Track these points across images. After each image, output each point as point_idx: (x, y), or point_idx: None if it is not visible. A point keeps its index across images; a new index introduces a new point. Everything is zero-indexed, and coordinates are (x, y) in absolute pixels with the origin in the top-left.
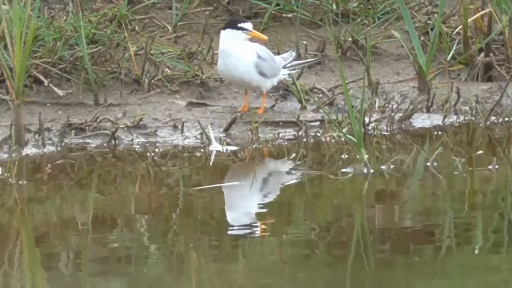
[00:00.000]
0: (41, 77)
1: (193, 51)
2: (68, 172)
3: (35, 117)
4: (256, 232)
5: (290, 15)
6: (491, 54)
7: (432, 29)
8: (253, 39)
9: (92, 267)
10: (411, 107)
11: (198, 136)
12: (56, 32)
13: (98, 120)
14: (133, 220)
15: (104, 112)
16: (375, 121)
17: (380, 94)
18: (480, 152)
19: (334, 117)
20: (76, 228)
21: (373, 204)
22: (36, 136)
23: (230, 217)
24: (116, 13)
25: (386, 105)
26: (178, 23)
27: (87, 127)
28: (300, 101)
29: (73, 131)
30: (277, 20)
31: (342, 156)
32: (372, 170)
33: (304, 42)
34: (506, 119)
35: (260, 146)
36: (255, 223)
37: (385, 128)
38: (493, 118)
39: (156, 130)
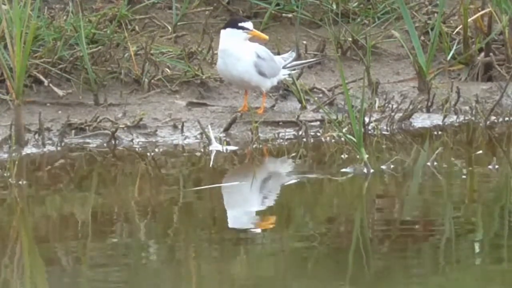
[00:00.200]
0: (41, 77)
1: (193, 51)
2: (68, 172)
3: (35, 117)
4: (256, 232)
5: (290, 15)
6: (491, 54)
7: (432, 29)
8: (253, 39)
9: (92, 267)
10: (411, 107)
11: (198, 136)
12: (56, 32)
13: (98, 120)
14: (133, 220)
15: (104, 112)
16: (375, 121)
17: (380, 94)
18: (480, 152)
19: (334, 117)
20: (76, 228)
21: (373, 204)
22: (36, 136)
23: (230, 216)
24: (116, 13)
25: (386, 105)
26: (178, 23)
27: (87, 127)
28: (300, 101)
29: (73, 131)
30: (277, 20)
31: (342, 156)
32: (372, 170)
33: (304, 42)
34: (506, 119)
35: (260, 146)
36: (255, 223)
37: (385, 128)
38: (493, 118)
39: (156, 130)
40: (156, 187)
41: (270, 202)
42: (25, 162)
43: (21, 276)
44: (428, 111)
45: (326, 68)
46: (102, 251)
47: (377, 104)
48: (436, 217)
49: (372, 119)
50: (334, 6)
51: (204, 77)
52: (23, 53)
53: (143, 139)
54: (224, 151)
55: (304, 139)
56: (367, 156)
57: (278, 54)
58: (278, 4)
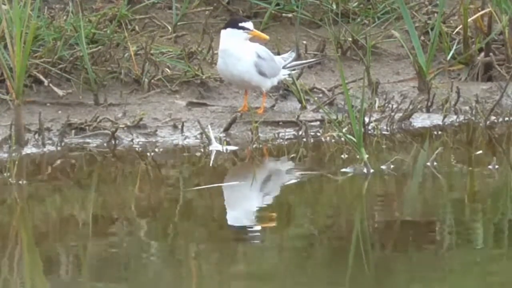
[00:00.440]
0: (41, 77)
1: (193, 51)
2: (68, 172)
3: (35, 117)
4: (256, 232)
5: (290, 15)
6: (491, 54)
7: (432, 29)
8: (254, 39)
9: (92, 267)
10: (411, 107)
11: (198, 136)
12: (56, 32)
13: (98, 120)
14: (133, 220)
15: (104, 112)
16: (375, 121)
17: (380, 94)
18: (480, 151)
19: (334, 117)
20: (76, 228)
21: (373, 204)
22: (36, 136)
23: (230, 216)
24: (116, 13)
25: (386, 105)
26: (178, 23)
27: (87, 127)
28: (300, 101)
29: (73, 131)
30: (277, 20)
31: (342, 156)
32: (372, 170)
33: (304, 42)
34: (506, 119)
35: (260, 146)
36: (255, 222)
37: (385, 128)
38: (493, 118)
39: (156, 130)
40: (156, 187)
41: (270, 201)
42: (25, 162)
43: (21, 276)
44: (428, 111)
45: (326, 68)
46: (102, 251)
47: (377, 104)
48: (436, 217)
49: (372, 119)
50: (334, 6)
51: (204, 77)
52: (23, 53)
53: (143, 139)
54: (224, 151)
55: (304, 139)
56: (367, 156)
57: (278, 54)
58: (278, 4)
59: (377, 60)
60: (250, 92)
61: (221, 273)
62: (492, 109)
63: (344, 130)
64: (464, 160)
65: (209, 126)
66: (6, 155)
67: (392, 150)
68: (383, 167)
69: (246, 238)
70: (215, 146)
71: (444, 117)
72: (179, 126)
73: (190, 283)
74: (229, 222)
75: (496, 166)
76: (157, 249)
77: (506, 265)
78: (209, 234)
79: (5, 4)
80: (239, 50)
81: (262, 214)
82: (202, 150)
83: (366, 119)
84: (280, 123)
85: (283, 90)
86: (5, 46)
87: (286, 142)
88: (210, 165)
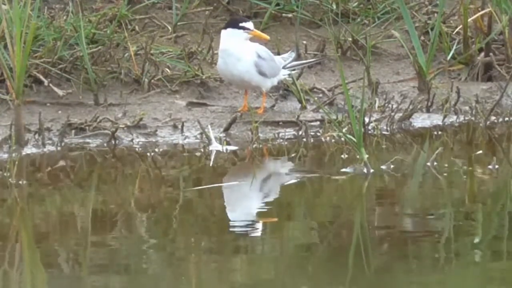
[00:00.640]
0: (41, 77)
1: (193, 51)
2: (68, 172)
3: (35, 117)
4: (256, 232)
5: (290, 15)
6: (491, 54)
7: (432, 29)
8: (254, 39)
9: (92, 267)
10: (411, 107)
11: (198, 136)
12: (56, 32)
13: (98, 120)
14: (133, 220)
15: (104, 112)
16: (375, 121)
17: (380, 94)
18: (480, 152)
19: (334, 117)
20: (76, 228)
21: (373, 203)
22: (36, 136)
23: (230, 216)
24: (116, 13)
25: (386, 105)
26: (178, 23)
27: (87, 127)
28: (300, 101)
29: (73, 131)
30: (277, 20)
31: (342, 156)
32: (372, 170)
33: (304, 42)
34: (506, 119)
35: (260, 146)
36: (255, 222)
37: (385, 128)
38: (493, 118)
39: (156, 130)
40: (156, 187)
41: (270, 201)
42: (25, 162)
43: (21, 276)
44: (428, 111)
45: (326, 68)
46: (102, 251)
47: (377, 104)
48: (436, 217)
49: (372, 119)
50: (334, 6)
51: (204, 77)
52: (23, 53)
53: (143, 139)
54: (224, 151)
55: (304, 139)
56: (367, 156)
57: (278, 54)
58: (278, 4)
59: (377, 60)
60: (250, 92)
61: (221, 273)
62: (492, 109)
63: (344, 130)
64: (464, 160)
65: (209, 126)
66: (6, 155)
67: (392, 150)
68: (383, 167)
69: (246, 238)
70: (215, 146)
71: (444, 117)
72: (179, 126)
73: (190, 283)
74: (229, 222)
75: (496, 166)
76: (157, 249)
77: (506, 265)
78: (209, 234)
79: (5, 4)
80: (239, 50)
81: (262, 214)
82: (202, 150)
83: (366, 119)
84: (280, 123)
85: (283, 90)
86: (5, 46)
87: (286, 142)
88: (210, 165)
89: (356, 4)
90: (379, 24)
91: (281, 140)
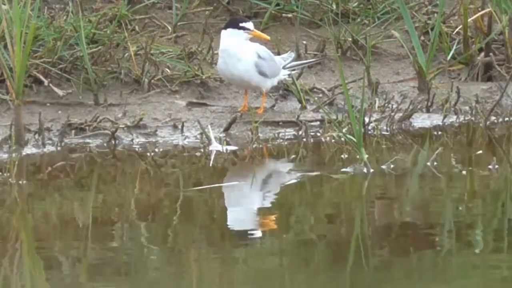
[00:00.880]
0: (41, 77)
1: (193, 51)
2: (68, 172)
3: (35, 117)
4: (256, 232)
5: (290, 15)
6: (491, 54)
7: (432, 29)
8: (254, 39)
9: (92, 267)
10: (411, 107)
11: (198, 136)
12: (56, 32)
13: (98, 120)
14: (133, 220)
15: (104, 112)
16: (375, 121)
17: (380, 94)
18: (480, 152)
19: (334, 117)
20: (76, 228)
21: (373, 203)
22: (36, 136)
23: (230, 216)
24: (116, 13)
25: (386, 105)
26: (178, 23)
27: (87, 127)
28: (300, 101)
29: (73, 131)
30: (277, 20)
31: (342, 156)
32: (372, 170)
33: (304, 42)
34: (506, 119)
35: (260, 146)
36: (255, 222)
37: (385, 128)
38: (493, 118)
39: (156, 130)
40: (156, 187)
41: (270, 201)
42: (25, 162)
43: (21, 276)
44: (428, 111)
45: (326, 68)
46: (102, 251)
47: (377, 104)
48: (435, 217)
49: (372, 119)
50: (334, 6)
51: (204, 77)
52: (23, 53)
53: (143, 139)
54: (224, 151)
55: (304, 139)
56: (367, 156)
57: (278, 54)
58: (278, 4)
59: (377, 60)
60: (250, 92)
61: (221, 273)
62: (492, 109)
63: (344, 130)
64: (464, 160)
65: (209, 126)
66: (6, 155)
67: (392, 150)
68: (383, 167)
69: (246, 238)
70: (215, 146)
71: (444, 117)
72: (179, 126)
73: (190, 283)
74: (229, 222)
75: (496, 166)
76: (157, 249)
77: (506, 266)
78: (209, 234)
79: (5, 4)
80: (240, 50)
81: (262, 214)
82: (202, 150)
83: (366, 119)
84: (280, 123)
85: (283, 90)
86: (5, 46)
87: (286, 142)
88: (210, 165)
89: (356, 4)
90: (379, 24)
91: (281, 140)
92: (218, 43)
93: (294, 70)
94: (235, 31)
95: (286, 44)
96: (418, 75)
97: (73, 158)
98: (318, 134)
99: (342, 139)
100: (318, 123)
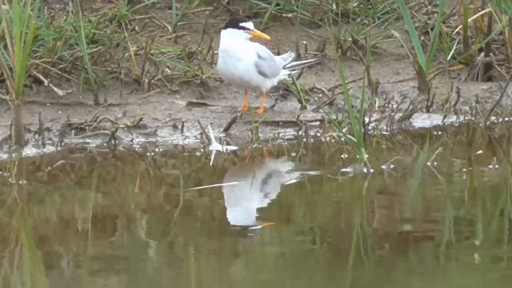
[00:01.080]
0: (41, 77)
1: (193, 51)
2: (68, 172)
3: (35, 117)
4: (256, 232)
5: (290, 15)
6: (491, 54)
7: (432, 29)
8: (254, 39)
9: (92, 267)
10: (411, 107)
11: (198, 136)
12: (56, 32)
13: (98, 120)
14: (133, 220)
15: (104, 112)
16: (375, 121)
17: (380, 94)
18: (480, 152)
19: (334, 117)
20: (76, 228)
21: (372, 203)
22: (36, 136)
23: (230, 216)
24: (116, 13)
25: (386, 105)
26: (178, 23)
27: (87, 127)
28: (300, 101)
29: (73, 131)
30: (277, 20)
31: (342, 156)
32: (372, 170)
33: (304, 42)
34: (506, 119)
35: (260, 146)
36: (255, 222)
37: (385, 128)
38: (493, 118)
39: (156, 130)
40: (156, 187)
41: (270, 201)
42: (25, 162)
43: (21, 276)
44: (428, 111)
45: (326, 68)
46: (102, 251)
47: (377, 104)
48: (435, 217)
49: (372, 119)
50: (334, 6)
51: (204, 77)
52: (23, 53)
53: (143, 139)
54: (224, 151)
55: (304, 139)
56: (367, 156)
57: (278, 54)
58: (278, 4)
59: (377, 60)
60: (250, 92)
61: (221, 273)
62: (492, 109)
63: (344, 130)
64: (464, 160)
65: (209, 126)
66: (6, 155)
67: (392, 150)
68: (383, 167)
69: (246, 238)
70: (215, 146)
71: (444, 117)
72: (179, 126)
73: (190, 283)
74: (229, 222)
75: (496, 166)
76: (157, 249)
77: (506, 266)
78: (209, 234)
79: (5, 4)
80: (240, 50)
81: (262, 214)
82: (202, 150)
83: (366, 119)
84: (280, 123)
85: (283, 90)
86: (5, 46)
87: (286, 142)
88: (210, 165)
89: (356, 4)
90: (379, 24)
91: (281, 140)
92: (218, 43)
93: (294, 70)
94: (235, 31)
95: (286, 44)
96: (418, 75)
97: (73, 158)
98: (318, 134)
99: (342, 139)
100: (318, 123)
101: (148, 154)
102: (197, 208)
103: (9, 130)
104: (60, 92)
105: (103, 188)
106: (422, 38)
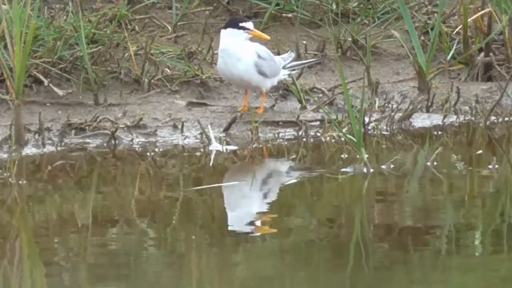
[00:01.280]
0: (41, 77)
1: (193, 51)
2: (68, 172)
3: (35, 117)
4: (256, 232)
5: (290, 15)
6: (491, 54)
7: (432, 29)
8: (254, 39)
9: (92, 267)
10: (411, 107)
11: (198, 136)
12: (56, 32)
13: (98, 120)
14: (133, 220)
15: (104, 112)
16: (375, 121)
17: (380, 94)
18: (480, 152)
19: (334, 117)
20: (76, 228)
21: (372, 203)
22: (36, 136)
23: (230, 216)
24: (116, 13)
25: (386, 105)
26: (178, 23)
27: (87, 127)
28: (300, 101)
29: (73, 131)
30: (277, 20)
31: (342, 156)
32: (372, 170)
33: (304, 42)
34: (506, 119)
35: (260, 146)
36: (255, 222)
37: (385, 128)
38: (493, 118)
39: (156, 130)
40: (156, 187)
41: (270, 201)
42: (25, 162)
43: (21, 276)
44: (428, 111)
45: (326, 68)
46: (102, 251)
47: (377, 104)
48: (435, 217)
49: (372, 119)
50: (334, 6)
51: (204, 77)
52: (23, 53)
53: (143, 139)
54: (224, 151)
55: (304, 139)
56: (367, 156)
57: (278, 54)
58: (278, 4)
59: (377, 60)
60: (250, 92)
61: (221, 273)
62: (492, 109)
63: (344, 130)
64: (464, 160)
65: (209, 126)
66: (6, 155)
67: (392, 150)
68: (383, 167)
69: (246, 238)
70: (215, 146)
71: (444, 117)
72: (179, 126)
73: (190, 283)
74: (229, 222)
75: (496, 166)
76: (157, 249)
77: (506, 266)
78: (209, 234)
79: (5, 4)
80: (239, 50)
81: (262, 214)
82: (202, 150)
83: (366, 119)
84: (280, 123)
85: (283, 90)
86: (5, 46)
87: (286, 142)
88: (210, 165)
89: (356, 4)
90: (379, 24)
91: (281, 140)
92: (218, 43)
93: (294, 70)
94: (235, 31)
95: (286, 44)
96: (418, 75)
97: (73, 157)
98: (318, 134)
99: (342, 139)
100: (318, 123)
101: (148, 154)
102: (197, 208)
103: (9, 130)
104: (60, 92)
105: (103, 188)
106: (422, 38)
